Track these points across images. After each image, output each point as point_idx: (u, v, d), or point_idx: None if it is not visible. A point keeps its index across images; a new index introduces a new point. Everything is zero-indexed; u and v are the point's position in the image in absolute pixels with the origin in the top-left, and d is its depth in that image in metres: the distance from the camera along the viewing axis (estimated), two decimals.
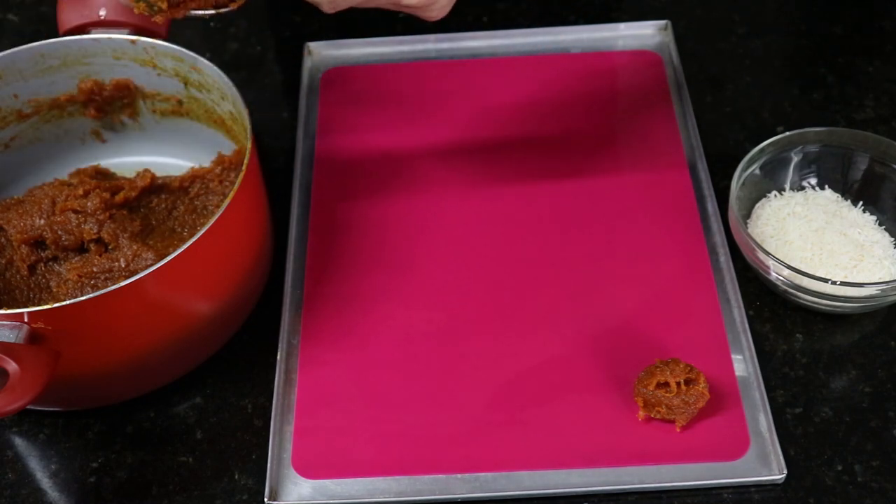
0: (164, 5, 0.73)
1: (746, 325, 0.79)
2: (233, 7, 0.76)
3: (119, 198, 0.81)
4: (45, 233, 0.80)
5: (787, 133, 0.84)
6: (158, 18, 0.74)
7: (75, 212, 0.79)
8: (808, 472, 0.73)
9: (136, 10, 0.74)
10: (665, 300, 0.81)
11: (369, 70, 1.00)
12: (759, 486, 0.72)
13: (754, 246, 0.78)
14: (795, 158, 0.85)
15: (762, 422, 0.74)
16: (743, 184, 0.83)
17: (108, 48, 0.85)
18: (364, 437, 0.75)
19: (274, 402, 0.77)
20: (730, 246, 0.84)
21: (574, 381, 0.77)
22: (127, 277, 0.72)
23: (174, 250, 0.71)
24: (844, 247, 0.80)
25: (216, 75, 0.82)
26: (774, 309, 0.82)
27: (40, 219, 0.80)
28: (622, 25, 1.00)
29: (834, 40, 1.01)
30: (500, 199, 0.89)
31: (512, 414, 0.76)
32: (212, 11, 0.76)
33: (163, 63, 0.85)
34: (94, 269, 0.77)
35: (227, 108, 0.84)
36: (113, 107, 0.89)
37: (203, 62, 0.82)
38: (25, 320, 0.68)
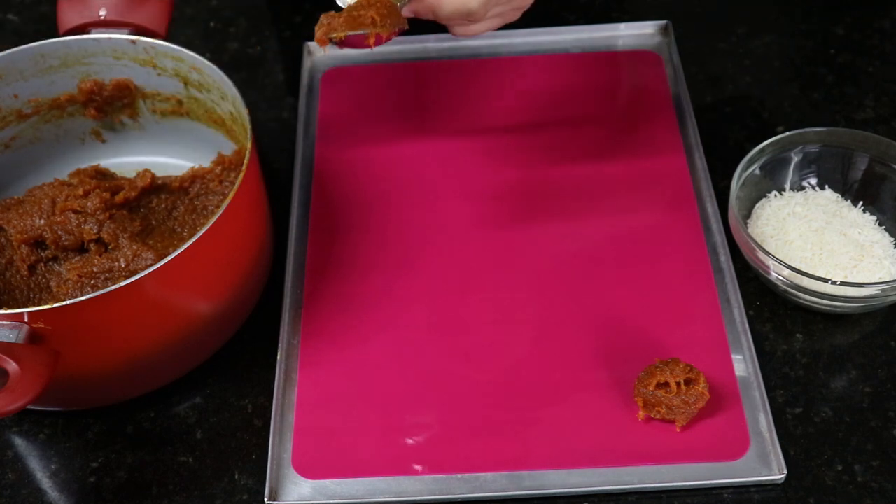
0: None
1: (746, 325, 0.79)
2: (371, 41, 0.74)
3: (119, 198, 0.81)
4: (45, 233, 0.79)
5: (787, 133, 0.84)
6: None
7: (75, 212, 0.79)
8: (808, 472, 0.73)
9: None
10: (665, 300, 0.81)
11: (369, 70, 1.00)
12: (759, 486, 0.72)
13: (754, 246, 0.78)
14: (795, 158, 0.85)
15: (762, 422, 0.74)
16: (743, 184, 0.83)
17: (108, 48, 0.85)
18: (364, 437, 0.75)
19: (274, 402, 0.77)
20: (730, 246, 0.84)
21: (574, 381, 0.77)
22: (127, 277, 0.72)
23: (174, 250, 0.71)
24: (844, 247, 0.80)
25: (216, 75, 0.82)
26: (774, 309, 0.82)
27: (40, 219, 0.80)
28: (622, 25, 1.00)
29: (834, 40, 1.00)
30: (499, 199, 0.89)
31: (512, 414, 0.76)
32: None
33: (163, 63, 0.85)
34: (94, 269, 0.77)
35: (227, 108, 0.84)
36: (113, 107, 0.89)
37: (203, 62, 0.82)
38: (25, 320, 0.68)
